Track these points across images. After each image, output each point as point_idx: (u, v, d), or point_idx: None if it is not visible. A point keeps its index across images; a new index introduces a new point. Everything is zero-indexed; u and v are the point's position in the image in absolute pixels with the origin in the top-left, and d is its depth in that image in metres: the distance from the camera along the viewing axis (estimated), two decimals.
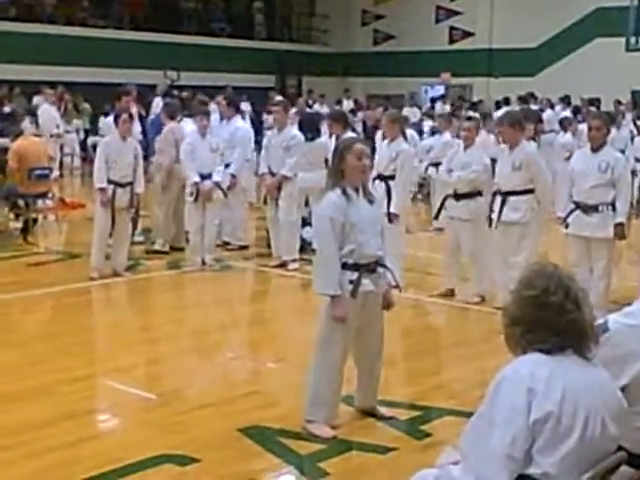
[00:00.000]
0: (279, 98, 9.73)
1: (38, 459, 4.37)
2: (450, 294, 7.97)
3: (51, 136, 16.14)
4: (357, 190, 4.66)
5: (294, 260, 9.09)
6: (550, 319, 2.72)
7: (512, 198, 7.38)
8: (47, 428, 4.77)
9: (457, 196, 7.85)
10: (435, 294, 8.04)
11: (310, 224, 9.53)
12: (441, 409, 5.19)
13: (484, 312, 7.48)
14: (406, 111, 20.41)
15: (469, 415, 4.85)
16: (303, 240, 9.53)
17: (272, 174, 9.07)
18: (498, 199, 7.46)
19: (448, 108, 20.33)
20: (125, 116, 8.46)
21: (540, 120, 15.10)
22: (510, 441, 2.62)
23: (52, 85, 17.85)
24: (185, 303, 8.21)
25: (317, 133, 9.39)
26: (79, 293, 8.01)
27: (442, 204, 8.10)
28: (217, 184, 8.99)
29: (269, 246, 9.60)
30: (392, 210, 7.97)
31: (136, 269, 8.89)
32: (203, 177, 8.87)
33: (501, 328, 2.86)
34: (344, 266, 4.59)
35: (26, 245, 10.10)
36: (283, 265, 9.08)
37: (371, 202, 4.74)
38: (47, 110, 16.64)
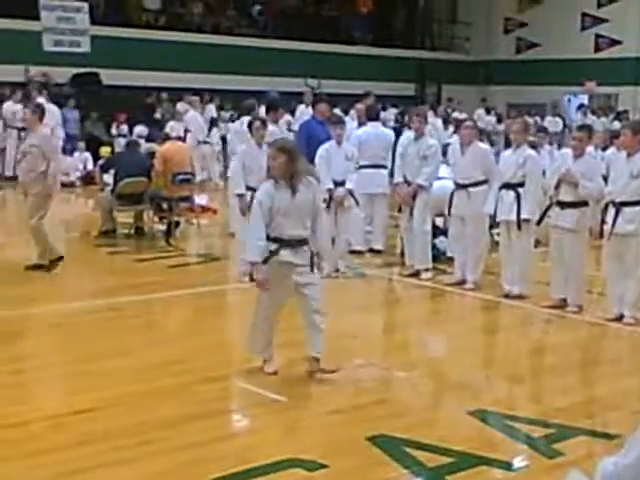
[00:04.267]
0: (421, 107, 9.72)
1: (170, 456, 4.52)
2: (563, 305, 7.81)
3: (198, 142, 16.72)
4: (285, 181, 5.62)
5: (427, 269, 9.05)
6: None
7: (627, 209, 7.22)
8: (181, 426, 4.92)
9: (562, 204, 7.68)
10: (546, 305, 7.88)
11: (444, 233, 9.48)
12: (575, 428, 5.04)
13: (621, 329, 7.24)
14: (548, 121, 20.02)
15: (604, 436, 4.80)
16: (436, 249, 9.48)
17: (407, 183, 9.07)
18: (611, 210, 7.30)
19: (594, 118, 19.80)
20: (258, 123, 8.63)
21: None
22: None
23: (197, 92, 18.44)
24: None
25: None
26: (217, 295, 8.24)
27: (545, 212, 7.96)
28: (349, 191, 9.07)
29: (402, 255, 9.59)
30: (524, 216, 7.97)
31: None
32: (337, 184, 8.98)
33: None
34: (269, 239, 5.60)
35: (168, 247, 10.48)
36: (416, 274, 9.06)
37: (293, 191, 5.62)
38: (194, 117, 17.22)
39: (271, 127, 9.80)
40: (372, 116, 10.91)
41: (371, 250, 10.37)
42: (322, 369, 5.79)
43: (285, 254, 5.65)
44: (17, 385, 5.62)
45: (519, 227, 8.04)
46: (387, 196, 10.53)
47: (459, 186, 8.61)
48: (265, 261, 5.60)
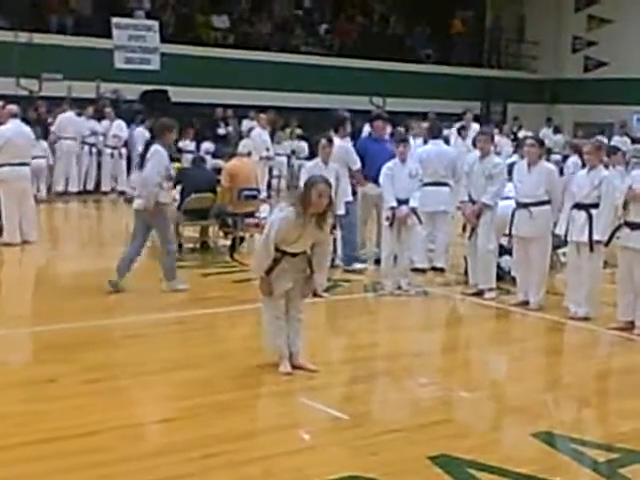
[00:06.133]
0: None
1: (234, 470, 4.55)
2: (630, 327, 7.65)
3: (260, 158, 16.89)
4: (313, 215, 5.96)
5: (491, 289, 8.98)
6: None
7: None
8: (244, 440, 4.98)
9: (632, 225, 7.54)
10: (613, 327, 7.76)
11: (508, 252, 9.38)
12: None
13: None
14: (615, 140, 19.71)
15: None
16: (501, 268, 9.40)
17: (472, 202, 9.02)
18: None
19: None
20: (325, 141, 8.72)
21: None
22: None
23: (263, 109, 18.65)
24: (379, 326, 8.32)
25: None
26: None
27: (614, 233, 7.82)
28: (413, 210, 9.09)
29: (466, 273, 9.54)
30: (596, 237, 7.87)
31: (334, 291, 9.09)
32: (400, 202, 9.01)
33: None
34: (275, 250, 5.98)
35: (232, 262, 10.60)
36: (480, 293, 9.00)
37: (321, 228, 6.03)
38: (259, 134, 17.45)
39: (340, 142, 9.85)
40: (434, 134, 10.91)
41: (433, 268, 10.34)
42: (302, 365, 6.25)
43: (287, 261, 6.10)
44: (91, 395, 5.70)
45: (591, 249, 7.93)
46: (449, 214, 10.50)
47: (520, 205, 8.54)
48: (268, 272, 6.06)
